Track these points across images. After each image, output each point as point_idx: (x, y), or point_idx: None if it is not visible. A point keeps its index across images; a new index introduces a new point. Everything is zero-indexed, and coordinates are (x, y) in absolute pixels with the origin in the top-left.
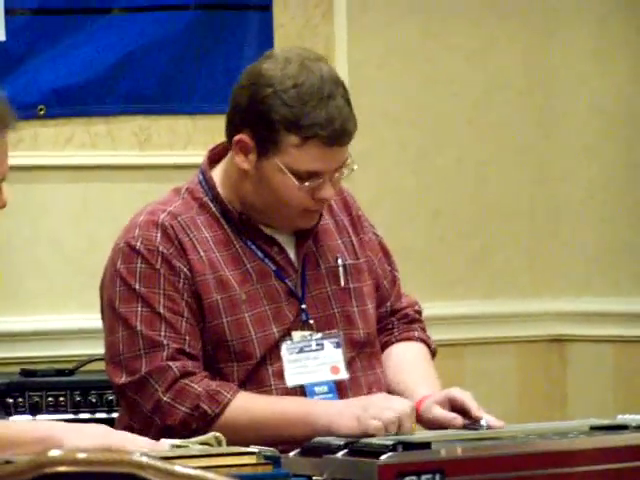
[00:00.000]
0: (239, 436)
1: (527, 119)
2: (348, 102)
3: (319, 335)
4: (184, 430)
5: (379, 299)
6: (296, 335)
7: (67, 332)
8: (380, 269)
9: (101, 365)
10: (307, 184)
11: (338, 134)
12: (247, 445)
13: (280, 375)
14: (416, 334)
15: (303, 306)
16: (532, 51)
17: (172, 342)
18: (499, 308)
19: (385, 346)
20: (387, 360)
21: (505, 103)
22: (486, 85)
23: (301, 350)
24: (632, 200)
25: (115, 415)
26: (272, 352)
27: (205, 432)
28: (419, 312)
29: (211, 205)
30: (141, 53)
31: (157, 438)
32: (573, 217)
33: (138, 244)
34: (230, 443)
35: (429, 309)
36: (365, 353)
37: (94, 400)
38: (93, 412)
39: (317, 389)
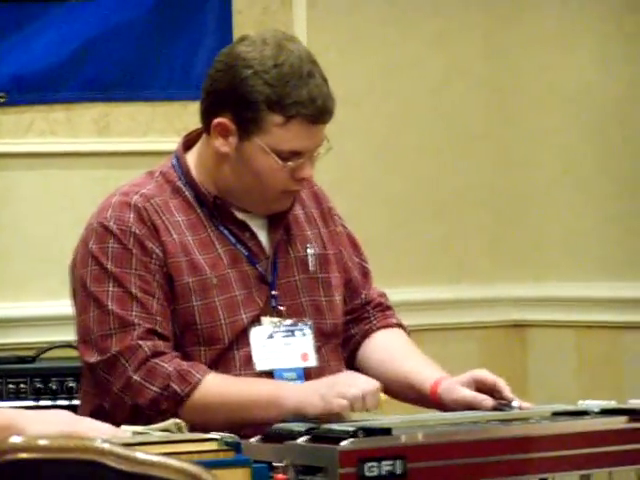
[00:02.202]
0: (208, 416)
1: (488, 104)
2: (325, 80)
3: (288, 322)
4: (154, 409)
5: (352, 291)
6: (265, 321)
7: (28, 319)
8: (350, 262)
9: (63, 352)
10: (289, 164)
11: (320, 112)
12: (217, 426)
13: (248, 360)
14: (394, 321)
15: (273, 292)
16: (493, 36)
17: (143, 322)
18: (460, 294)
19: (366, 335)
20: (374, 348)
21: (466, 88)
22: (447, 70)
23: (270, 336)
24: (594, 185)
25: (76, 402)
26: (240, 337)
27: (174, 412)
28: (384, 295)
29: (184, 189)
30: (101, 40)
31: (127, 418)
32: (535, 203)
33: (111, 224)
34: (199, 424)
35: (390, 295)
36: (332, 344)
37: (55, 387)
38: (54, 399)
39: (286, 375)
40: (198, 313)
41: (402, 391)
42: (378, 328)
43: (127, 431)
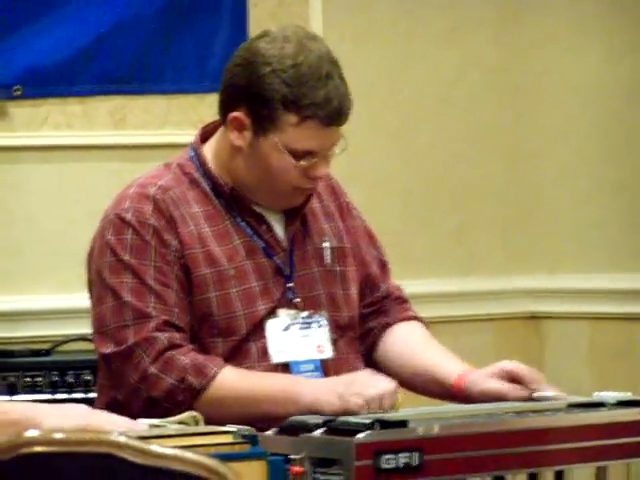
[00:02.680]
0: (224, 410)
1: (501, 98)
2: (344, 81)
3: (305, 314)
4: (169, 402)
5: (371, 284)
6: (282, 313)
7: (43, 312)
8: (368, 256)
9: (78, 345)
10: (302, 163)
11: (336, 114)
12: (232, 419)
13: (264, 352)
14: (412, 313)
15: (290, 284)
16: (505, 30)
17: (160, 314)
18: (474, 286)
19: (385, 328)
20: (393, 341)
21: (478, 82)
22: (459, 64)
23: (286, 328)
24: (606, 177)
25: (92, 395)
26: (257, 329)
27: (190, 405)
28: (400, 289)
29: (202, 181)
30: (116, 33)
31: (142, 409)
32: (547, 195)
33: (129, 216)
34: (214, 417)
35: (404, 287)
36: (348, 337)
37: (71, 380)
38: (70, 392)
39: (302, 367)
40: (215, 304)
41: (423, 384)
42: (397, 321)
43: (143, 424)
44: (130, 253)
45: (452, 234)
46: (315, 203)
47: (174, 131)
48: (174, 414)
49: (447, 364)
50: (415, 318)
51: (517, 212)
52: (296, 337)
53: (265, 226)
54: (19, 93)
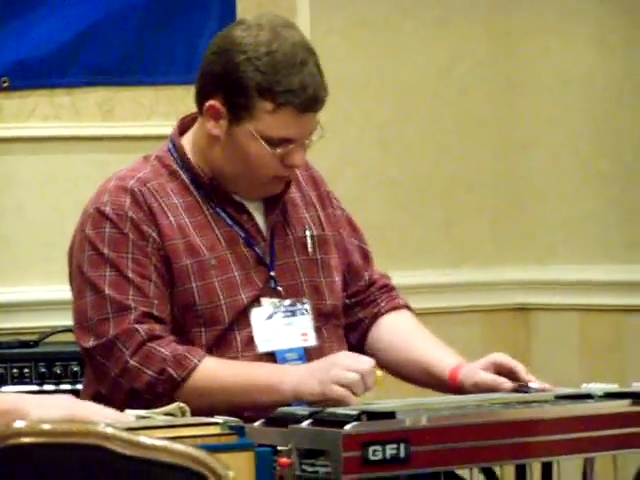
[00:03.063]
0: (205, 401)
1: (490, 89)
2: (319, 69)
3: (288, 302)
4: (150, 394)
5: (354, 273)
6: (265, 302)
7: (31, 304)
8: (349, 245)
9: (65, 337)
10: (278, 150)
11: (311, 101)
12: (213, 410)
13: (248, 341)
14: (401, 302)
15: (272, 273)
16: (495, 21)
17: (140, 305)
18: (463, 277)
19: (374, 318)
20: (384, 331)
21: (468, 73)
22: (449, 55)
23: (270, 316)
24: (597, 169)
25: (80, 386)
26: (240, 318)
27: (171, 396)
28: (389, 278)
29: (181, 172)
30: (104, 24)
31: (124, 402)
32: (537, 186)
33: (107, 209)
34: (196, 408)
35: (393, 279)
36: (331, 324)
37: (59, 371)
38: (58, 383)
39: (287, 355)
40: (197, 294)
41: (415, 374)
42: (387, 311)
43: (131, 415)
44: (108, 246)
45: (442, 225)
46: (295, 192)
47: (162, 122)
48: (156, 406)
49: (439, 355)
50: (404, 307)
51: (507, 203)
52: (280, 325)
53: (246, 215)
54: (7, 85)
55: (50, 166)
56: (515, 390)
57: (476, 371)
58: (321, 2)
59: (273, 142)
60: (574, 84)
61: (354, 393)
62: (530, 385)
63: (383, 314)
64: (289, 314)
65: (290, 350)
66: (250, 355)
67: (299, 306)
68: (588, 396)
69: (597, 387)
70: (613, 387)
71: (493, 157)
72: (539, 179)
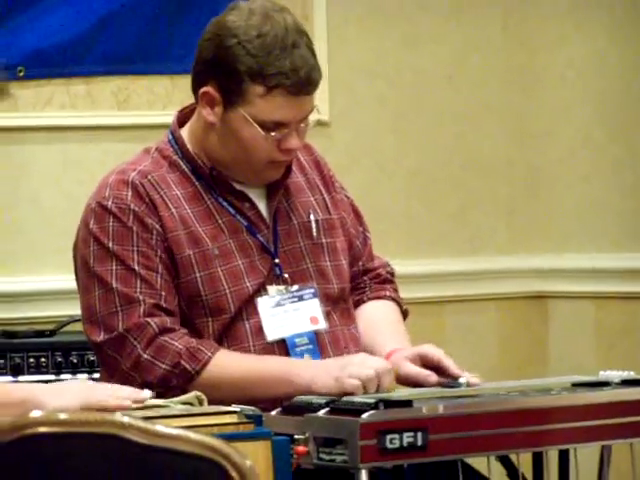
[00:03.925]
0: (218, 394)
1: (506, 77)
2: (312, 52)
3: (295, 287)
4: (163, 387)
5: (351, 258)
6: (271, 289)
7: (47, 293)
8: (352, 229)
9: (82, 326)
10: (273, 134)
11: (303, 83)
12: (226, 403)
13: (258, 330)
14: (387, 293)
15: (276, 261)
16: (511, 9)
17: (148, 298)
18: (479, 265)
19: (357, 305)
20: (358, 318)
21: (484, 61)
22: (465, 43)
23: (278, 304)
24: (611, 157)
25: (96, 375)
26: (248, 307)
27: (184, 389)
28: (391, 273)
29: (181, 163)
30: (120, 13)
31: None
32: (552, 175)
33: (109, 203)
34: (209, 401)
35: (408, 267)
36: (340, 308)
37: (75, 361)
38: (74, 373)
39: (297, 340)
40: (202, 284)
41: None
42: (369, 299)
43: (148, 392)
44: (113, 240)
45: (457, 214)
46: (299, 177)
47: None
48: (168, 397)
49: (388, 342)
50: (389, 298)
51: (522, 192)
52: (288, 312)
53: (247, 204)
54: (22, 74)
55: (66, 155)
56: (443, 384)
57: (402, 362)
58: None
59: (267, 126)
60: (588, 73)
61: (367, 390)
62: (460, 380)
63: (365, 302)
64: (296, 299)
65: (300, 335)
66: (261, 344)
67: (306, 290)
68: (605, 384)
69: (614, 374)
70: (630, 374)
71: (508, 146)
72: (554, 167)
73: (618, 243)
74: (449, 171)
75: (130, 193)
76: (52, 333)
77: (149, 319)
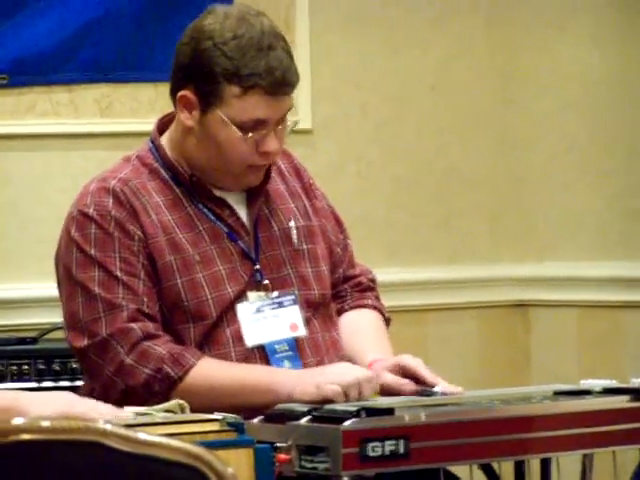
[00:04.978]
0: (200, 402)
1: (489, 85)
2: (289, 54)
3: (275, 294)
4: (146, 392)
5: (332, 265)
6: (252, 296)
7: (29, 300)
8: (333, 236)
9: (64, 334)
10: (251, 135)
11: (278, 83)
12: (208, 410)
13: (238, 336)
14: (369, 302)
15: (257, 267)
16: (493, 17)
17: (130, 303)
18: (462, 274)
19: (338, 313)
20: (340, 328)
21: (467, 69)
22: (448, 51)
23: (258, 310)
24: (593, 165)
25: (79, 383)
26: (228, 313)
27: (167, 395)
28: (373, 280)
29: (161, 170)
30: (102, 21)
31: (119, 400)
32: (535, 183)
33: (91, 211)
34: (191, 409)
35: (391, 275)
36: (321, 314)
37: (57, 368)
38: (56, 380)
39: (277, 347)
40: (183, 290)
41: None
42: (351, 308)
43: (129, 412)
44: (95, 247)
45: (440, 222)
46: (279, 184)
47: None
48: (151, 404)
49: (370, 352)
50: (371, 307)
51: (505, 200)
52: (268, 318)
53: (228, 211)
54: (5, 81)
55: (48, 163)
56: (419, 393)
57: (380, 372)
58: None
59: (245, 127)
60: (572, 81)
61: (348, 396)
62: (435, 389)
63: (346, 310)
64: (276, 306)
65: (279, 342)
66: (241, 350)
67: (286, 297)
68: (587, 392)
69: (596, 383)
70: (612, 383)
71: (491, 153)
72: (537, 175)
73: (600, 252)
74: (432, 179)
75: (111, 200)
76: (34, 340)
77: (133, 324)
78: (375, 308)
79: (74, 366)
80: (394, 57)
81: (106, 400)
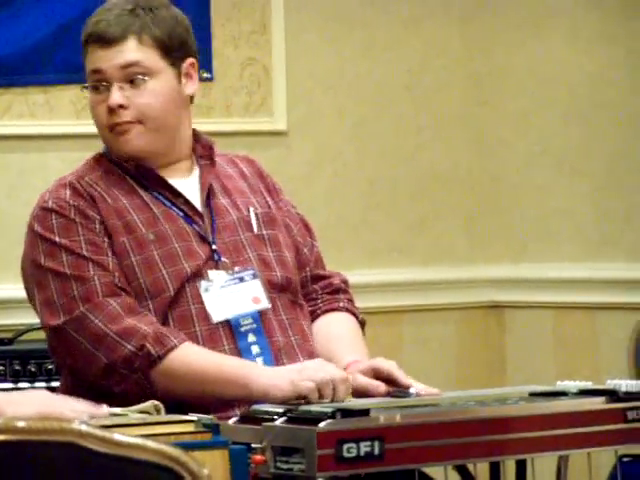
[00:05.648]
0: (176, 384)
1: (464, 85)
2: (136, 16)
3: (236, 269)
4: (126, 368)
5: (299, 263)
6: (212, 273)
7: (6, 301)
8: (300, 237)
9: (40, 334)
10: (99, 91)
11: (96, 33)
12: (182, 394)
13: (203, 314)
14: (341, 304)
15: (214, 247)
16: (469, 17)
17: (102, 277)
18: (437, 275)
19: (311, 316)
20: (314, 333)
21: (442, 69)
22: (423, 51)
23: (220, 287)
24: (570, 166)
25: (55, 384)
26: (191, 291)
27: (146, 374)
28: (345, 282)
29: (114, 167)
30: (79, 22)
31: (100, 376)
32: (512, 184)
33: (50, 203)
34: (167, 390)
35: (367, 276)
36: (286, 297)
37: (33, 369)
38: (32, 381)
39: (242, 321)
40: (138, 268)
41: None
42: (323, 312)
43: (105, 409)
44: (59, 235)
45: (416, 223)
46: (239, 182)
47: None
48: (130, 381)
49: (346, 355)
50: (344, 309)
51: (481, 201)
52: (231, 293)
53: (182, 199)
54: None
55: (24, 164)
56: (392, 395)
57: (354, 375)
58: None
59: (93, 86)
60: (548, 81)
61: (322, 394)
62: (409, 390)
63: (319, 315)
64: (237, 281)
65: (244, 315)
66: (207, 327)
67: (247, 272)
68: (563, 393)
69: (572, 385)
70: (587, 385)
71: (467, 155)
72: (513, 177)
73: (577, 253)
74: (408, 180)
75: (69, 192)
76: (10, 341)
77: (110, 299)
78: (348, 310)
79: (50, 367)
80: (369, 57)
81: (86, 377)
